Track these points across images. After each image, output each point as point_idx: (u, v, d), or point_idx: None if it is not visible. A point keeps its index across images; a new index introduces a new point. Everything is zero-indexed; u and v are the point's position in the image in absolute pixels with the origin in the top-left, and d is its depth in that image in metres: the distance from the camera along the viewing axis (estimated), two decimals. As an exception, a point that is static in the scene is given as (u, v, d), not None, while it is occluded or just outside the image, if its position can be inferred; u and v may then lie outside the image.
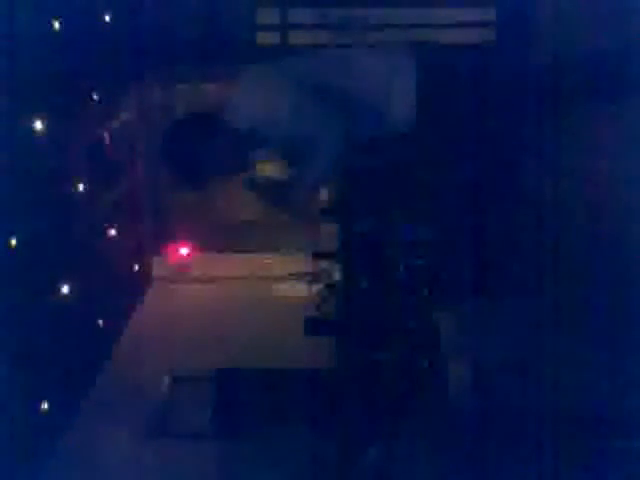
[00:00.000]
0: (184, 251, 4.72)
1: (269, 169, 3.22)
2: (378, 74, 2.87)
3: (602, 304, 3.41)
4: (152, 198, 4.71)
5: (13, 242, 2.86)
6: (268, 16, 4.44)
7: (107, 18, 3.91)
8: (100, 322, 3.82)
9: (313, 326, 3.76)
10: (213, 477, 3.14)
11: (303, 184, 3.17)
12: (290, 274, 4.54)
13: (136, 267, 4.51)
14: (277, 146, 3.00)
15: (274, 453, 3.18)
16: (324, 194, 4.59)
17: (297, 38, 4.44)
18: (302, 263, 4.44)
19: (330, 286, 3.99)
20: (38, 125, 3.06)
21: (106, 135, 3.94)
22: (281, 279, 4.58)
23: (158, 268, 4.75)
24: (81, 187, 3.53)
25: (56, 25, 3.24)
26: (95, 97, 3.75)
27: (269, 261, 4.71)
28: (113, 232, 4.01)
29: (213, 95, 4.66)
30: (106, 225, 3.96)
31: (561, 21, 3.95)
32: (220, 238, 4.75)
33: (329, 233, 3.97)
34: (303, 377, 3.47)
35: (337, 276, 3.87)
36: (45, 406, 3.13)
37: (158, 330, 4.13)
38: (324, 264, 4.13)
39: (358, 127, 2.91)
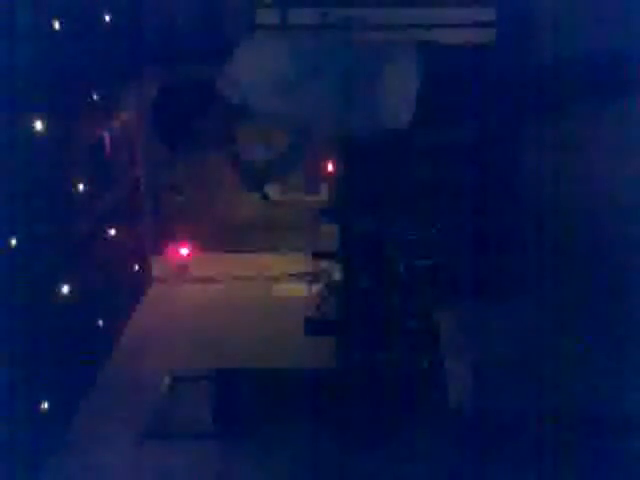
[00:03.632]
0: (184, 251, 4.73)
1: (254, 149, 3.20)
2: (379, 68, 2.84)
3: (602, 304, 3.41)
4: (152, 198, 4.71)
5: (13, 242, 2.86)
6: (268, 16, 4.44)
7: (107, 18, 3.91)
8: (100, 322, 3.82)
9: (313, 326, 3.77)
10: (213, 477, 3.14)
11: (286, 163, 3.14)
12: (290, 274, 4.54)
13: (136, 267, 4.51)
14: (267, 120, 2.97)
15: (274, 453, 3.18)
16: (324, 194, 4.60)
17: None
18: (302, 263, 4.45)
19: (330, 286, 3.99)
20: (38, 125, 3.06)
21: (106, 135, 3.93)
22: (281, 279, 4.58)
23: (158, 268, 4.74)
24: (81, 187, 3.53)
25: (56, 25, 3.24)
26: (95, 97, 3.75)
27: (269, 261, 4.70)
28: (113, 232, 4.00)
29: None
30: (106, 225, 3.95)
31: (561, 21, 3.95)
32: (220, 238, 4.75)
33: (329, 233, 3.98)
34: (303, 377, 3.47)
35: (337, 276, 3.87)
36: (45, 406, 3.13)
37: (158, 330, 4.13)
38: (324, 264, 4.13)
39: (357, 123, 2.89)
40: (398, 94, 2.83)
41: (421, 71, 2.83)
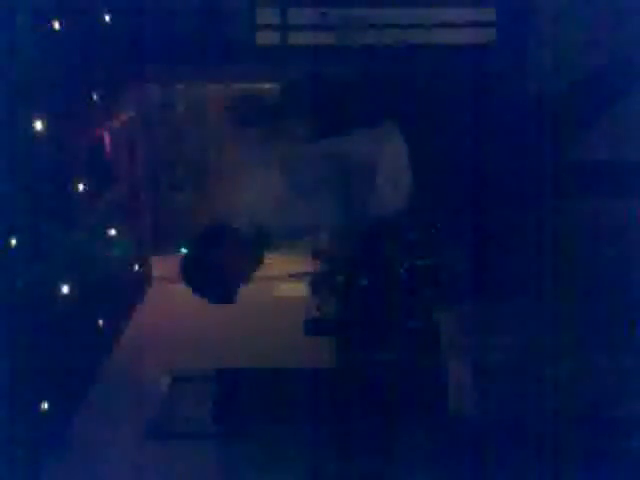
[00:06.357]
0: (184, 251, 4.71)
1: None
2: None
3: (602, 304, 3.41)
4: (152, 198, 4.71)
5: (13, 242, 2.86)
6: (268, 16, 4.44)
7: (107, 18, 3.92)
8: (100, 322, 3.82)
9: (313, 326, 3.77)
10: (213, 477, 3.14)
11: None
12: (290, 274, 4.54)
13: (136, 267, 4.51)
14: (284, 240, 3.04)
15: (274, 453, 3.18)
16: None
17: (297, 38, 4.44)
18: (302, 263, 4.44)
19: (330, 286, 3.99)
20: (38, 125, 3.06)
21: (106, 135, 3.94)
22: (281, 279, 4.58)
23: (158, 268, 4.74)
24: (81, 187, 3.53)
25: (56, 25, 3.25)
26: (95, 97, 3.75)
27: (269, 261, 4.69)
28: (113, 232, 4.00)
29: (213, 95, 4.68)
30: (106, 225, 3.95)
31: (561, 21, 3.95)
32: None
33: (329, 233, 3.98)
34: (303, 377, 3.47)
35: (337, 276, 3.88)
36: (45, 406, 3.13)
37: (158, 330, 4.13)
38: (324, 264, 4.13)
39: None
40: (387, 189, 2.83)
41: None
